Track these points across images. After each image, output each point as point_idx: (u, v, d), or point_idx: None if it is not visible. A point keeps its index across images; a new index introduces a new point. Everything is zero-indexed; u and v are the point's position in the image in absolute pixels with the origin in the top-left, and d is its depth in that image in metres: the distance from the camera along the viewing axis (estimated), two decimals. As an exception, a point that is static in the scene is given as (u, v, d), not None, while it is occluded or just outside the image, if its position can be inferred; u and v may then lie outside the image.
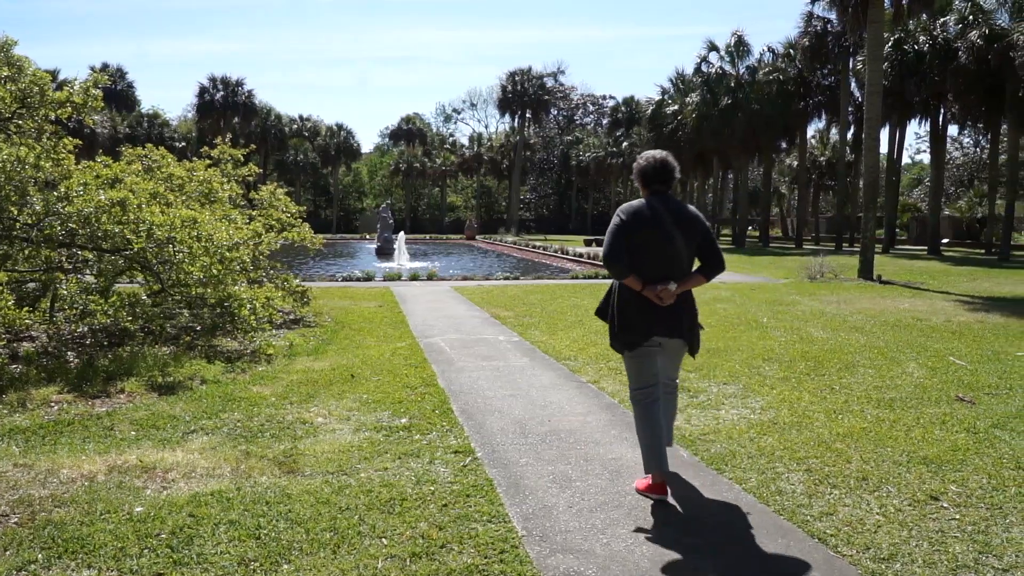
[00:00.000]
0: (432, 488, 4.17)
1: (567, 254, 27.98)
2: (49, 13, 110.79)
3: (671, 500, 4.06)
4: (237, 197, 10.97)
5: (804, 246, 39.23)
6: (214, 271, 7.85)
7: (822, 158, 51.39)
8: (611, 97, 74.17)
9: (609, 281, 4.37)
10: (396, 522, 3.71)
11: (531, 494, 4.12)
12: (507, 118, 66.70)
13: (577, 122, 75.01)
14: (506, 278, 18.86)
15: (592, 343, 8.76)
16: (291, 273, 11.52)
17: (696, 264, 4.21)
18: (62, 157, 8.45)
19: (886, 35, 26.01)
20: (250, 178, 11.49)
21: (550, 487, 4.23)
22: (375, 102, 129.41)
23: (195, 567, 3.25)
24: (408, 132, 70.76)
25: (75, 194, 7.38)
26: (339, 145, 64.06)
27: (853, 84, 36.19)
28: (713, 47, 40.72)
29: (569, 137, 70.57)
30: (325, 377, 6.90)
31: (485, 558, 3.36)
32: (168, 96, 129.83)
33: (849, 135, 38.44)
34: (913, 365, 7.65)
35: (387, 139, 77.51)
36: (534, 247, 34.64)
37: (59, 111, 8.21)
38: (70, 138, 8.73)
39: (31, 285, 8.46)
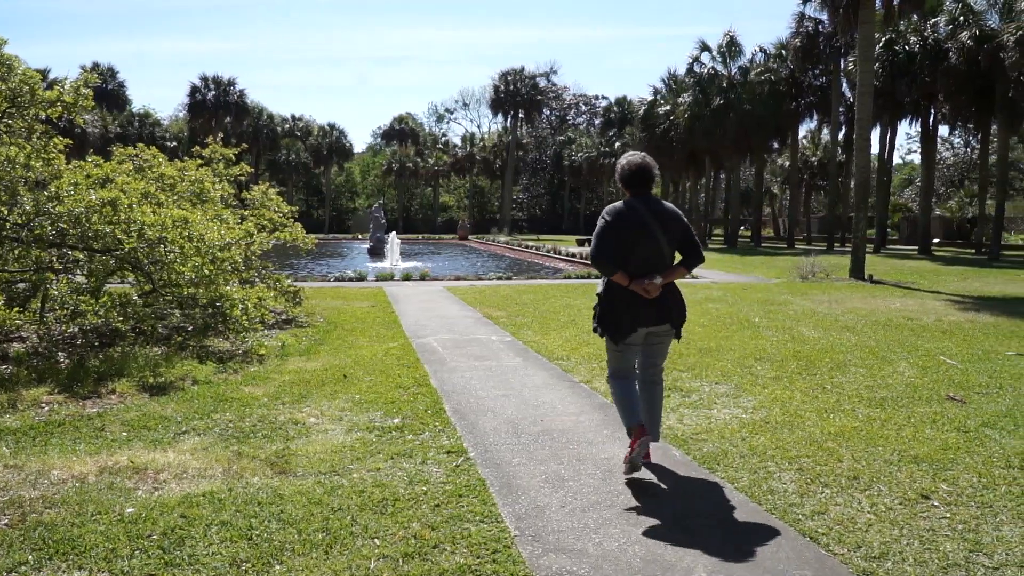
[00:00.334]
0: (425, 488, 4.16)
1: (560, 254, 28.00)
2: (39, 12, 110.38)
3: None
4: (229, 197, 10.94)
5: (796, 246, 39.38)
6: (206, 271, 7.82)
7: (814, 158, 51.58)
8: (603, 97, 74.38)
9: (599, 281, 4.60)
10: (388, 522, 3.71)
11: (524, 494, 4.12)
12: (500, 118, 66.81)
13: (570, 122, 75.03)
14: (499, 278, 18.86)
15: (585, 343, 8.77)
16: (283, 273, 11.50)
17: (678, 258, 4.49)
18: (52, 157, 8.41)
19: (877, 36, 26.11)
20: (242, 178, 11.45)
21: (543, 487, 4.24)
22: (367, 102, 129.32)
23: (187, 568, 3.24)
24: (401, 132, 70.70)
25: (65, 194, 7.35)
26: (331, 145, 63.96)
27: (844, 84, 36.36)
28: (705, 47, 40.77)
29: (562, 137, 70.59)
30: (317, 377, 6.89)
31: (478, 558, 3.36)
32: (159, 95, 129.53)
33: (840, 135, 38.60)
34: (904, 364, 7.68)
35: (379, 139, 77.40)
36: (527, 247, 34.65)
37: (49, 110, 8.16)
38: (60, 137, 8.68)
39: (21, 285, 8.41)
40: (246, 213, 11.09)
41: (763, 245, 42.68)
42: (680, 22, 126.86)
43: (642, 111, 46.91)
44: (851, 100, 34.38)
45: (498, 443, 5.02)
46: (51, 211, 7.22)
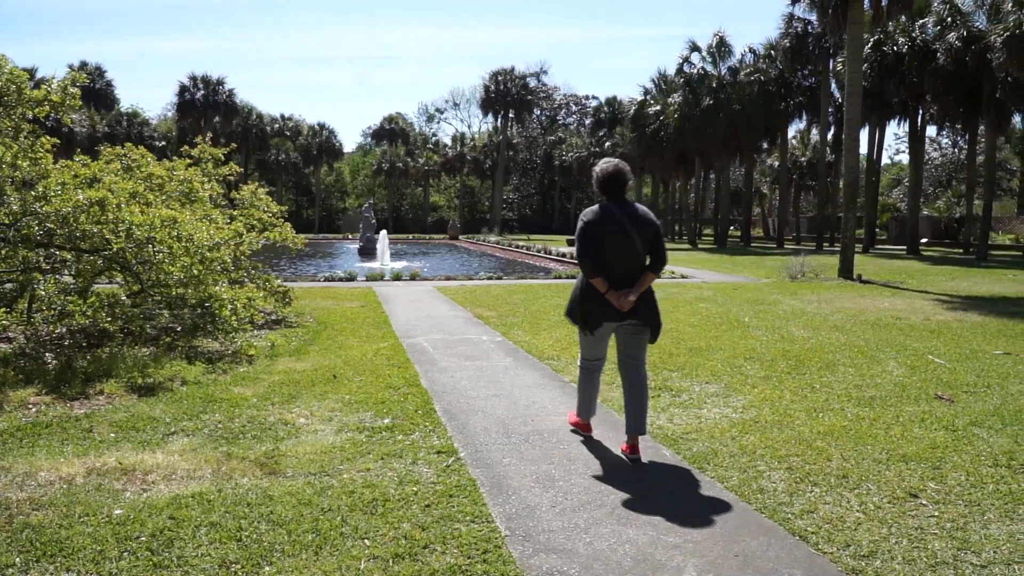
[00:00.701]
0: (415, 488, 4.16)
1: (550, 254, 28.02)
2: (26, 10, 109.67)
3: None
4: (218, 197, 10.89)
5: (785, 246, 39.53)
6: (194, 271, 7.78)
7: (803, 158, 51.81)
8: (594, 97, 74.44)
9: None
10: (379, 523, 3.70)
11: (514, 494, 4.12)
12: (490, 118, 66.70)
13: (560, 122, 75.10)
14: (489, 278, 18.85)
15: (575, 343, 8.77)
16: (273, 273, 11.45)
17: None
18: (40, 156, 8.34)
19: (866, 36, 26.24)
20: (231, 177, 11.40)
21: (533, 487, 4.24)
22: (357, 102, 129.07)
23: (176, 570, 3.23)
24: (391, 132, 70.53)
25: (53, 193, 7.30)
26: (321, 145, 63.81)
27: (833, 85, 36.53)
28: (695, 48, 40.89)
29: (552, 137, 70.63)
30: (307, 378, 6.87)
31: (468, 558, 3.36)
32: (148, 95, 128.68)
33: (829, 136, 38.76)
34: (893, 364, 7.72)
35: (369, 139, 77.23)
36: (517, 247, 34.65)
37: (37, 110, 8.10)
38: (48, 137, 8.62)
39: (8, 286, 8.34)
40: (235, 213, 11.04)
41: (753, 245, 42.83)
42: (670, 23, 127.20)
43: (632, 111, 47.06)
44: (840, 100, 34.50)
45: (488, 443, 5.02)
46: (38, 211, 7.17)
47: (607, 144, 58.99)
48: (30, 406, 5.78)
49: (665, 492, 4.18)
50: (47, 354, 7.48)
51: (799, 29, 35.70)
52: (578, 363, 5.18)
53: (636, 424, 4.69)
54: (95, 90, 57.21)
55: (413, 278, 17.84)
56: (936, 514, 3.87)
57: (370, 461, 4.61)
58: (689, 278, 18.86)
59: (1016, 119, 35.02)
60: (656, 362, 7.71)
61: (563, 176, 65.14)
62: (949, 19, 28.53)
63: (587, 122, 71.99)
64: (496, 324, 10.42)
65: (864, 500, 4.05)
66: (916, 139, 33.84)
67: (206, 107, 54.51)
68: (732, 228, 51.75)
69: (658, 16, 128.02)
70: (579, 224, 4.70)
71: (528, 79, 63.28)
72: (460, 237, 51.64)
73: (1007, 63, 23.95)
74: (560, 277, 18.78)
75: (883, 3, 20.71)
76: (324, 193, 72.10)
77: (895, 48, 30.55)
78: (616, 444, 5.02)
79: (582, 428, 5.21)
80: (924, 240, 37.31)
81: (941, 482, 4.32)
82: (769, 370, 7.39)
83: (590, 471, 4.50)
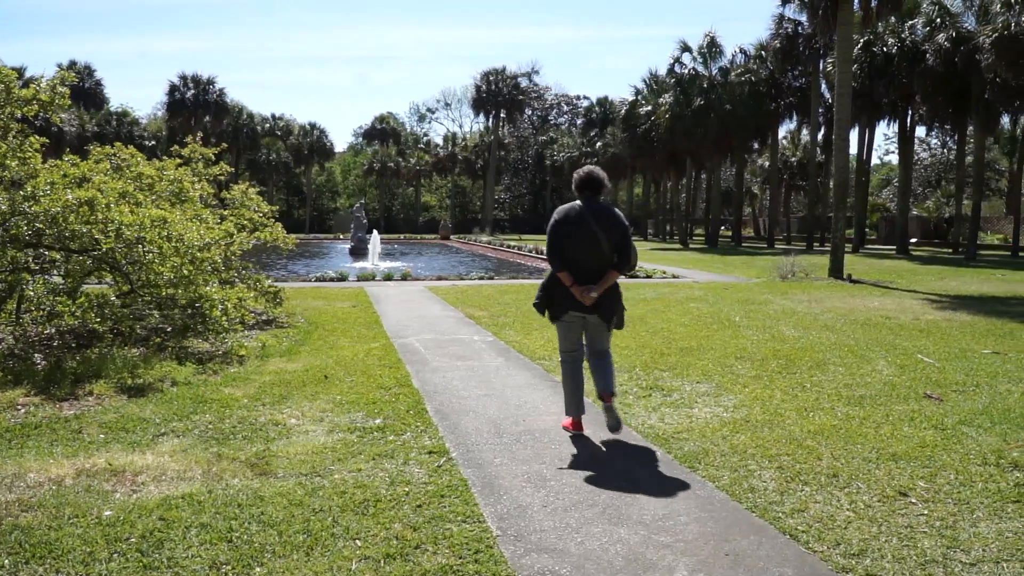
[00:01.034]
0: (406, 489, 4.15)
1: (541, 254, 28.01)
2: (15, 9, 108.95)
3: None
4: (208, 196, 10.84)
5: (776, 246, 39.66)
6: (185, 271, 7.75)
7: (793, 159, 51.96)
8: (585, 97, 74.53)
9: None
10: (370, 523, 3.69)
11: (506, 494, 4.12)
12: (481, 118, 66.79)
13: (551, 122, 75.15)
14: (480, 278, 18.84)
15: (566, 343, 8.77)
16: (264, 273, 11.41)
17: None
18: (28, 156, 8.29)
19: (856, 37, 26.35)
20: (221, 177, 11.36)
21: (525, 487, 4.24)
22: (349, 102, 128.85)
23: (166, 571, 3.21)
24: (382, 132, 70.43)
25: (42, 193, 7.26)
26: (312, 144, 63.66)
27: (823, 85, 36.64)
28: (686, 48, 40.94)
29: (543, 137, 70.68)
30: (298, 378, 6.85)
31: (460, 558, 3.36)
32: (138, 94, 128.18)
33: (820, 136, 38.93)
34: (882, 363, 7.75)
35: (361, 139, 77.14)
36: (508, 247, 34.64)
37: (25, 109, 8.05)
38: (37, 136, 8.56)
39: (-3, 286, 8.30)
40: (226, 213, 11.00)
41: (744, 245, 42.95)
42: (661, 23, 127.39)
43: (623, 111, 47.11)
44: (830, 101, 34.66)
45: (480, 443, 5.02)
46: (27, 211, 7.12)
47: (598, 144, 59.06)
48: (19, 407, 5.75)
49: (656, 491, 4.19)
50: (36, 355, 7.44)
51: (789, 30, 35.82)
52: (560, 357, 5.41)
53: (605, 386, 5.09)
54: (84, 89, 56.99)
55: (404, 278, 17.81)
56: (926, 513, 3.89)
57: (361, 461, 4.60)
58: (680, 278, 18.90)
59: (1004, 120, 35.24)
60: (647, 361, 7.72)
61: (554, 176, 65.16)
62: (938, 20, 28.67)
63: (578, 122, 72.06)
64: (487, 324, 10.41)
65: (854, 499, 4.07)
66: (905, 139, 34.00)
67: (196, 107, 54.31)
68: (723, 228, 51.96)
69: (649, 17, 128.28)
70: (551, 221, 5.06)
71: (519, 79, 63.36)
72: (451, 237, 51.63)
73: (995, 64, 24.09)
74: (551, 277, 18.75)
75: (872, 4, 20.78)
76: (315, 193, 71.93)
77: (885, 49, 30.69)
78: (607, 445, 5.04)
79: (573, 427, 5.26)
80: (913, 240, 37.50)
81: (931, 481, 4.34)
82: (760, 369, 7.41)
83: (581, 471, 4.50)
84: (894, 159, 60.58)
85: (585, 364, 5.34)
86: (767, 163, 47.78)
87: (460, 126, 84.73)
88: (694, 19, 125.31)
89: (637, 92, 47.09)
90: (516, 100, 62.36)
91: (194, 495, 4.00)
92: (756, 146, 45.40)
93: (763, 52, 39.38)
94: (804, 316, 11.34)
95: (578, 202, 5.08)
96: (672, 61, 41.40)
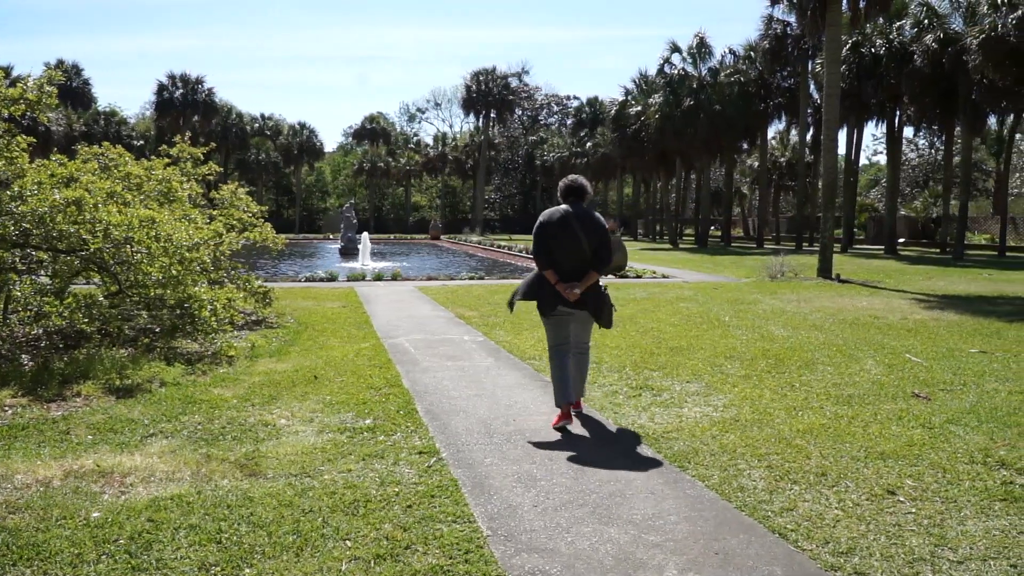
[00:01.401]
0: (397, 489, 4.15)
1: (532, 254, 27.97)
2: (1, 8, 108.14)
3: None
4: (197, 196, 10.79)
5: (765, 246, 39.80)
6: (173, 272, 7.71)
7: (782, 159, 52.12)
8: (575, 98, 74.60)
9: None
10: (360, 524, 3.69)
11: (496, 494, 4.12)
12: (472, 118, 66.84)
13: (541, 122, 75.17)
14: (471, 278, 18.83)
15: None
16: (253, 274, 11.37)
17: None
18: (15, 155, 8.23)
19: (844, 38, 26.47)
20: (210, 177, 11.30)
21: (515, 486, 4.24)
22: (338, 101, 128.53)
23: (155, 573, 3.20)
24: (372, 131, 70.27)
25: (29, 193, 7.21)
26: (302, 144, 63.46)
27: (812, 86, 36.76)
28: (676, 48, 41.01)
29: (533, 137, 70.73)
30: (288, 379, 6.83)
31: (450, 558, 3.36)
32: (126, 94, 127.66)
33: (808, 136, 39.05)
34: (871, 362, 7.79)
35: (350, 138, 76.91)
36: (499, 247, 34.63)
37: (12, 108, 7.99)
38: (24, 136, 8.50)
39: (-17, 286, 8.24)
40: (215, 213, 10.96)
41: (733, 245, 43.09)
42: (651, 23, 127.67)
43: (613, 111, 47.18)
44: (819, 102, 34.79)
45: (470, 443, 5.02)
46: (14, 211, 7.08)
47: (588, 144, 59.13)
48: (6, 408, 5.71)
49: (646, 491, 4.20)
50: (23, 355, 7.39)
51: (778, 31, 35.91)
52: (548, 350, 5.71)
53: (579, 389, 5.60)
54: (72, 88, 56.67)
55: (395, 278, 17.79)
56: (913, 511, 3.91)
57: (351, 462, 4.59)
58: (670, 278, 18.94)
59: (991, 120, 35.56)
60: (637, 361, 7.74)
61: (545, 176, 65.19)
62: (926, 21, 28.81)
63: (568, 122, 72.13)
64: (478, 324, 10.41)
65: (843, 497, 4.09)
66: (893, 140, 34.19)
67: (185, 106, 54.09)
68: (713, 228, 52.07)
69: (639, 17, 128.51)
70: (536, 223, 5.45)
71: (510, 79, 63.36)
72: (442, 237, 51.57)
73: (983, 65, 24.24)
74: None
75: (861, 5, 20.87)
76: (305, 193, 71.73)
77: (873, 50, 30.85)
78: (597, 445, 5.05)
79: (562, 417, 5.35)
80: (902, 240, 37.69)
81: (918, 479, 4.36)
82: (749, 369, 7.43)
83: (572, 471, 4.51)
84: (882, 159, 60.93)
85: None
86: (756, 163, 47.91)
87: (450, 126, 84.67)
88: (684, 20, 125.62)
89: (627, 92, 47.19)
90: (506, 100, 62.37)
91: (183, 496, 3.98)
92: (745, 146, 45.54)
93: (752, 53, 39.50)
94: (793, 316, 11.39)
95: (563, 206, 5.44)
96: (662, 61, 41.46)
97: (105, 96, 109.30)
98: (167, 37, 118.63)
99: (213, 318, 8.06)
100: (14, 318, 7.85)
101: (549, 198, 69.75)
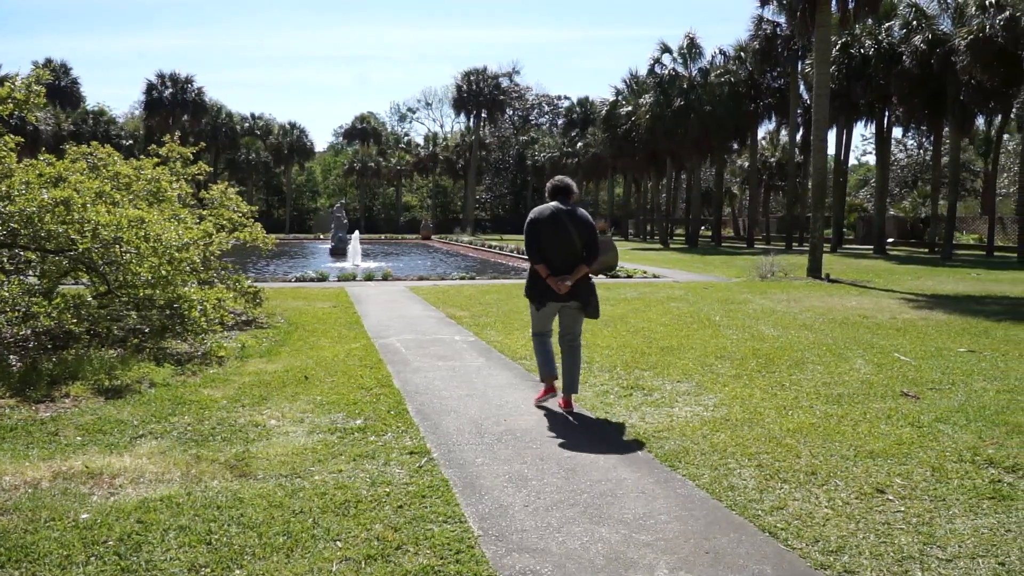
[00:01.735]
0: (387, 489, 4.14)
1: (523, 254, 27.98)
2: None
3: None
4: (187, 196, 10.75)
5: (755, 245, 39.94)
6: (163, 272, 7.68)
7: (772, 159, 52.31)
8: (566, 98, 74.72)
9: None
10: (351, 524, 3.68)
11: (487, 494, 4.12)
12: (462, 118, 66.70)
13: (532, 122, 75.23)
14: (462, 278, 18.83)
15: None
16: (243, 274, 11.33)
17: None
18: (3, 155, 8.17)
19: (833, 39, 26.55)
20: (200, 177, 11.25)
21: (506, 487, 4.24)
22: (329, 101, 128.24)
23: (144, 574, 3.19)
24: (362, 131, 70.15)
25: (17, 193, 7.16)
26: (292, 144, 63.28)
27: (802, 87, 36.92)
28: (666, 49, 41.07)
29: (524, 137, 70.74)
30: (278, 379, 6.81)
31: (441, 559, 3.35)
32: (115, 93, 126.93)
33: (798, 136, 39.18)
34: (860, 361, 7.82)
35: (341, 138, 76.75)
36: (490, 247, 34.61)
37: (0, 108, 7.95)
38: (11, 135, 8.44)
39: (-30, 287, 8.18)
40: (204, 213, 10.92)
41: (723, 245, 43.23)
42: (641, 24, 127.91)
43: (604, 111, 47.22)
44: (808, 102, 34.92)
45: (461, 443, 5.01)
46: (2, 211, 7.03)
47: (579, 144, 59.17)
48: (-7, 409, 5.67)
49: (637, 490, 4.20)
50: (11, 356, 7.34)
51: (768, 31, 36.06)
52: (531, 335, 6.14)
53: (570, 385, 5.80)
54: (60, 88, 56.34)
55: (385, 278, 17.76)
56: (903, 509, 3.93)
57: (342, 462, 4.58)
58: (661, 277, 18.98)
59: (979, 121, 35.78)
60: (628, 361, 7.75)
61: (536, 176, 65.20)
62: (915, 22, 28.97)
63: (559, 122, 72.21)
64: (469, 324, 10.41)
65: (832, 496, 4.11)
66: (883, 140, 34.37)
67: (174, 105, 53.88)
68: (703, 228, 52.16)
69: (630, 18, 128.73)
70: (527, 221, 5.71)
71: (500, 79, 63.34)
72: (433, 237, 51.53)
73: (971, 66, 24.39)
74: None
75: (850, 6, 20.96)
76: (295, 193, 71.54)
77: (862, 51, 31.00)
78: (588, 445, 5.05)
79: (547, 392, 5.88)
80: (891, 240, 37.87)
81: (907, 478, 4.39)
82: (739, 368, 7.45)
83: (563, 470, 4.51)
84: (871, 159, 61.18)
85: (557, 352, 5.99)
86: (746, 163, 48.09)
87: (441, 126, 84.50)
88: (674, 20, 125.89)
89: (617, 92, 47.27)
90: (497, 100, 62.34)
91: (173, 497, 3.97)
92: (735, 146, 45.69)
93: (742, 53, 39.61)
94: (783, 315, 11.43)
95: (552, 203, 5.72)
96: (652, 62, 41.53)
97: (94, 95, 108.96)
98: (157, 37, 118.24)
99: (203, 318, 8.03)
100: (2, 319, 7.79)
101: (540, 198, 69.34)
